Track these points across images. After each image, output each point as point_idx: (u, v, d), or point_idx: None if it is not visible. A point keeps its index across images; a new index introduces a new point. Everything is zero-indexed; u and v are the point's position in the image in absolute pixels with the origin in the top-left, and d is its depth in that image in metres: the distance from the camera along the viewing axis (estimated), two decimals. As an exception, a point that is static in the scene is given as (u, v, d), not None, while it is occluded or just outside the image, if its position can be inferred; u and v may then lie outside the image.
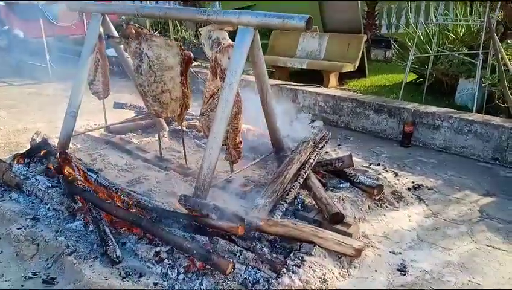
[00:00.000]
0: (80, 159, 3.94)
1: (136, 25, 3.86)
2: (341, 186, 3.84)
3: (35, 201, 3.55)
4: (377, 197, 3.74)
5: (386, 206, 3.73)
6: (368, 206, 3.66)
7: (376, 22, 10.39)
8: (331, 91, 5.97)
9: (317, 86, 6.35)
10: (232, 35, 3.23)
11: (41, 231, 3.19)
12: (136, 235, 3.04)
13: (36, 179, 3.69)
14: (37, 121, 5.95)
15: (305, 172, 3.58)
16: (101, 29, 4.22)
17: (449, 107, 5.87)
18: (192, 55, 3.62)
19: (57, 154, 3.88)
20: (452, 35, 6.79)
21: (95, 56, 4.26)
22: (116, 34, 4.34)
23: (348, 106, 5.65)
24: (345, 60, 7.58)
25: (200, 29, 3.44)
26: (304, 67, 7.59)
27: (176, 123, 4.43)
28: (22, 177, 3.75)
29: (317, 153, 3.81)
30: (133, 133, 5.09)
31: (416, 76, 7.62)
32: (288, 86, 6.16)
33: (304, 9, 10.57)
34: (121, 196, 3.33)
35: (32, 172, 3.82)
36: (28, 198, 3.59)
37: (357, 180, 3.80)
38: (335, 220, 3.17)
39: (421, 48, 6.94)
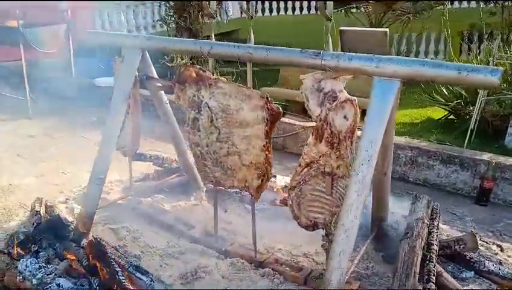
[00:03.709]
0: (116, 249, 2.86)
1: (197, 66, 2.88)
2: (464, 276, 2.98)
3: (61, 322, 2.44)
4: (513, 292, 2.90)
5: (528, 304, 2.90)
6: (510, 307, 2.81)
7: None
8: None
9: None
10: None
11: None
12: None
13: (58, 286, 2.57)
14: (24, 173, 4.74)
15: (434, 266, 2.68)
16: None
17: (498, 152, 5.25)
18: (281, 109, 2.68)
19: (84, 244, 2.79)
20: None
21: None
22: (155, 74, 3.33)
23: (406, 155, 4.86)
24: (366, 94, 6.85)
25: (302, 77, 2.51)
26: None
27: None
28: (35, 281, 2.62)
29: (437, 235, 2.94)
30: (161, 195, 4.00)
31: (447, 112, 7.01)
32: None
33: (304, 34, 9.88)
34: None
35: (49, 272, 2.68)
36: (49, 316, 2.47)
37: (485, 269, 2.95)
38: None
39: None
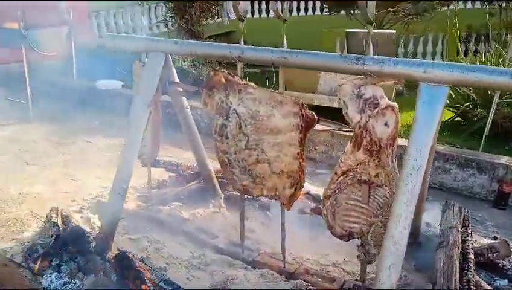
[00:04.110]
0: (143, 261, 2.75)
1: (225, 71, 2.79)
2: (498, 284, 2.92)
3: None
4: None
5: None
6: (547, 317, 2.76)
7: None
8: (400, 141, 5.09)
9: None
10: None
11: None
12: None
13: (87, 303, 2.46)
14: (33, 181, 4.59)
15: (473, 275, 2.62)
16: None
17: (509, 154, 5.24)
18: (315, 116, 2.60)
19: (111, 255, 2.68)
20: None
21: (147, 109, 3.11)
22: (177, 78, 3.23)
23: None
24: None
25: (340, 82, 2.43)
26: (336, 106, 6.73)
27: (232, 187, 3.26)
28: (61, 297, 2.50)
29: (472, 244, 2.88)
30: (178, 202, 3.89)
31: (453, 114, 6.98)
32: (343, 132, 5.21)
33: (297, 35, 9.77)
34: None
35: (77, 288, 2.56)
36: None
37: (519, 276, 2.90)
38: None
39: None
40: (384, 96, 2.36)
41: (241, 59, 2.66)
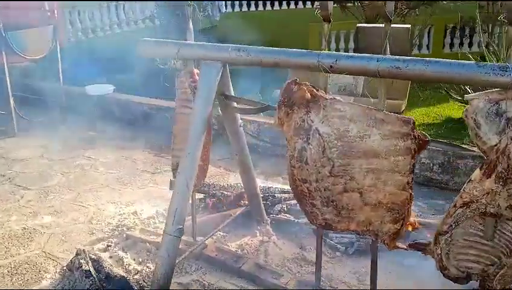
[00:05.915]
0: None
1: (308, 83, 2.29)
2: None
3: None
4: None
5: None
6: None
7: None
8: (439, 145, 4.72)
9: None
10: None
11: None
12: None
13: None
14: (35, 210, 3.91)
15: None
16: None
17: None
18: (428, 137, 2.14)
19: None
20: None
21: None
22: (232, 92, 2.69)
23: (466, 164, 4.44)
24: (389, 95, 6.44)
25: (469, 97, 1.97)
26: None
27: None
28: None
29: None
30: (221, 232, 3.34)
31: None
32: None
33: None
34: None
35: None
36: None
37: None
38: None
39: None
40: (529, 114, 1.92)
41: (333, 69, 2.16)
